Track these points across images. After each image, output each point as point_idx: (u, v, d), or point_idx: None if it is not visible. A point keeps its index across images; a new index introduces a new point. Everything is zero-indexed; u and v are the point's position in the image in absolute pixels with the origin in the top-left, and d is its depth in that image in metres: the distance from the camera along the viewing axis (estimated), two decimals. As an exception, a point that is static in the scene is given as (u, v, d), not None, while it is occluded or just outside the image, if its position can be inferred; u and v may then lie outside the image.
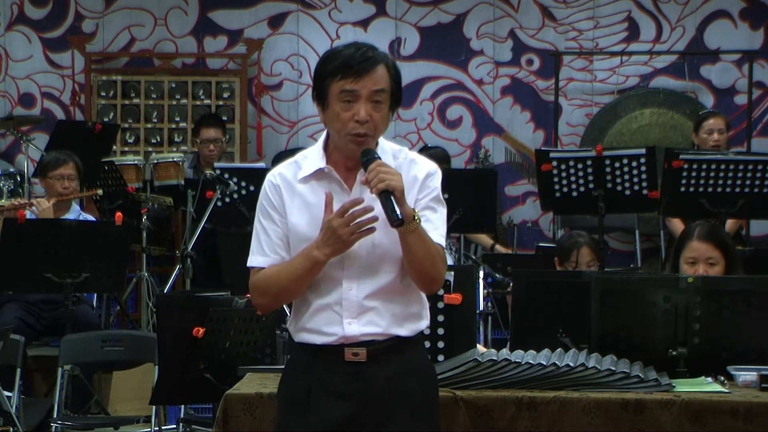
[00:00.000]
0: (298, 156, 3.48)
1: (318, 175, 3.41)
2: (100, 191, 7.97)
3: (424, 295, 3.48)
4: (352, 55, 3.31)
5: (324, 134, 3.46)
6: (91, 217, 7.71)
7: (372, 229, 3.28)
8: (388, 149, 3.42)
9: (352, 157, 3.36)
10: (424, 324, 3.48)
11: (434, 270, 3.36)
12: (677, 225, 7.62)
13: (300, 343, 3.45)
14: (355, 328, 3.36)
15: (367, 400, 3.38)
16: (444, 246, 3.40)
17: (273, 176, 3.46)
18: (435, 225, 3.37)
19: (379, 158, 3.30)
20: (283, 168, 3.47)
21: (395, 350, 3.39)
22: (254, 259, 3.47)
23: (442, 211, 3.44)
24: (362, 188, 3.36)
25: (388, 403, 3.38)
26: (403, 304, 3.41)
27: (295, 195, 3.41)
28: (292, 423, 3.43)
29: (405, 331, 3.41)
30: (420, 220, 3.28)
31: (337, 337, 3.37)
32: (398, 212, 3.21)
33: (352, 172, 3.40)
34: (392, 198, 3.22)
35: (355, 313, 3.37)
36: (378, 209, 3.28)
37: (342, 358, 3.38)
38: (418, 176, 3.40)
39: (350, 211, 3.26)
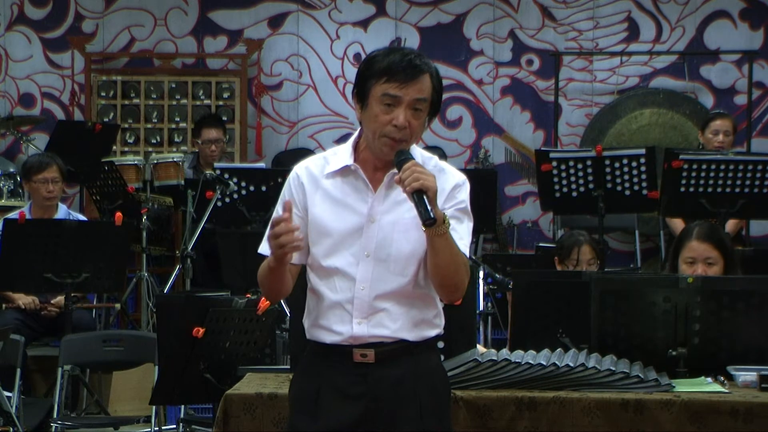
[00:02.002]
0: (329, 152, 3.50)
1: (344, 171, 3.42)
2: None
3: (440, 304, 3.47)
4: (399, 60, 3.31)
5: (356, 133, 3.46)
6: (81, 216, 7.74)
7: (298, 247, 3.28)
8: (418, 155, 3.40)
9: (382, 158, 3.37)
10: (435, 332, 3.46)
11: (458, 278, 3.35)
12: (678, 224, 7.62)
13: (312, 340, 3.46)
14: (364, 328, 3.36)
15: (375, 402, 3.38)
16: (468, 257, 3.39)
17: (300, 169, 3.48)
18: (460, 235, 3.36)
19: (414, 158, 3.30)
20: (311, 162, 3.48)
21: (404, 353, 3.39)
22: (262, 246, 3.47)
23: (468, 224, 3.42)
24: (387, 190, 3.38)
25: (396, 405, 3.38)
26: (417, 309, 3.40)
27: (318, 188, 3.42)
28: (303, 423, 3.43)
29: (413, 336, 3.40)
30: (449, 225, 3.27)
31: (345, 336, 3.37)
32: (431, 212, 3.20)
33: (379, 172, 3.40)
34: (425, 198, 3.22)
35: (365, 313, 3.36)
36: (396, 215, 3.33)
37: (351, 358, 3.38)
38: (446, 186, 3.38)
39: (277, 227, 3.25)
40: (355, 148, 3.44)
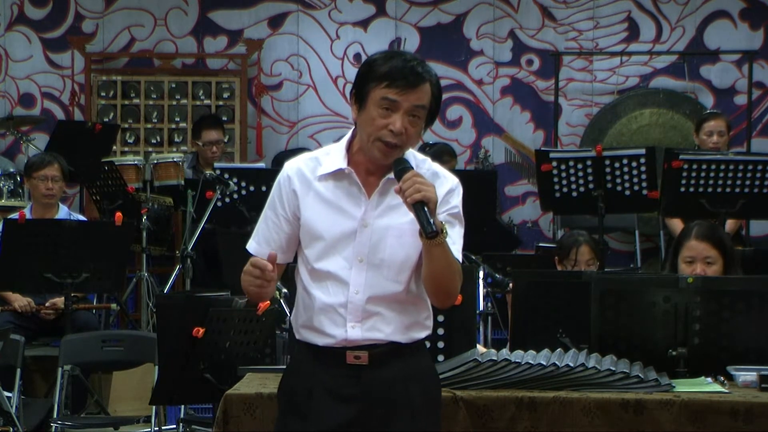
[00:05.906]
0: (320, 152, 3.47)
1: (337, 174, 3.39)
2: None
3: (429, 305, 3.47)
4: (401, 66, 3.29)
5: (349, 134, 3.44)
6: (81, 217, 7.73)
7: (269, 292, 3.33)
8: (411, 158, 3.38)
9: (375, 162, 3.35)
10: (425, 333, 3.46)
11: (452, 285, 3.36)
12: (677, 225, 7.62)
13: (301, 341, 3.45)
14: (358, 332, 3.36)
15: (368, 403, 3.38)
16: (460, 261, 3.38)
17: (291, 170, 3.44)
18: (453, 240, 3.34)
19: (413, 168, 3.29)
20: (302, 163, 3.45)
21: (396, 354, 3.39)
22: (250, 243, 3.51)
23: (460, 229, 3.41)
24: (381, 196, 3.36)
25: (389, 406, 3.38)
26: (409, 312, 3.40)
27: (310, 190, 3.40)
28: (293, 424, 3.42)
29: (405, 338, 3.40)
30: (447, 234, 3.27)
31: (339, 339, 3.37)
32: (433, 224, 3.20)
33: (373, 176, 3.38)
34: (426, 209, 3.21)
35: (359, 317, 3.36)
36: (390, 220, 3.32)
37: (344, 360, 3.38)
38: (440, 191, 3.35)
39: (255, 274, 3.30)
40: (348, 149, 3.42)
